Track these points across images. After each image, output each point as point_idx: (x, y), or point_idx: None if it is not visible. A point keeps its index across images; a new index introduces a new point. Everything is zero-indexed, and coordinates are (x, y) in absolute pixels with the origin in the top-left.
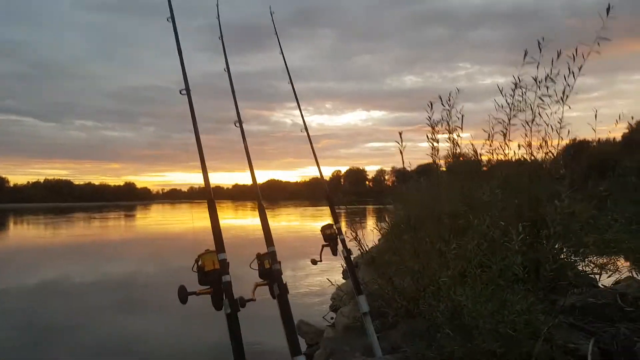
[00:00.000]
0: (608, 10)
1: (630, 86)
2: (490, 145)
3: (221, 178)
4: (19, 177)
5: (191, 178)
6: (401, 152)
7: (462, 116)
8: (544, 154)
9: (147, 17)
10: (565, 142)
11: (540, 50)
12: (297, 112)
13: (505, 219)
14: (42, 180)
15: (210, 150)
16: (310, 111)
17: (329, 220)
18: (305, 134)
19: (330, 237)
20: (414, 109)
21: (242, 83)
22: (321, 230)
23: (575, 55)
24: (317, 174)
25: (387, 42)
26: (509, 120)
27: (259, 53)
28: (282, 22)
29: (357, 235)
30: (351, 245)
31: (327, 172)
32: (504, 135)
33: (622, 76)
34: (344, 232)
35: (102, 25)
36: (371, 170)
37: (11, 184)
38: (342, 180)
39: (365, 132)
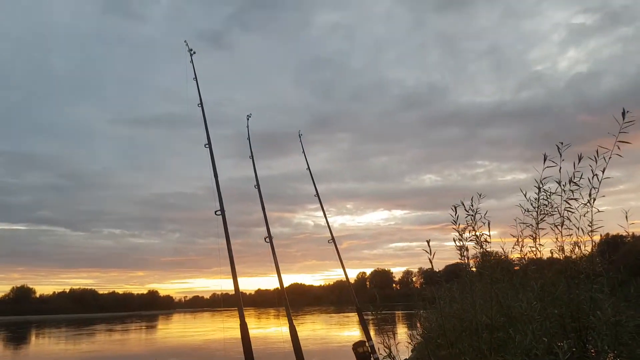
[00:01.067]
0: (624, 114)
1: None
2: (521, 248)
3: (243, 283)
4: (45, 287)
5: (214, 284)
6: (430, 261)
7: (489, 222)
8: (577, 254)
9: (174, 127)
10: (599, 237)
11: (560, 154)
12: (320, 213)
13: (547, 333)
14: (67, 290)
15: (234, 254)
16: (332, 212)
17: (357, 330)
18: (329, 235)
19: (363, 356)
20: (435, 207)
21: (264, 186)
22: (353, 349)
23: (596, 157)
24: (342, 277)
25: (403, 144)
26: (537, 224)
27: (282, 157)
28: (302, 128)
29: (391, 352)
30: None
31: (352, 274)
32: (534, 239)
33: None
34: (377, 349)
35: (133, 136)
36: (397, 271)
37: (37, 295)
38: (367, 282)
39: (388, 232)
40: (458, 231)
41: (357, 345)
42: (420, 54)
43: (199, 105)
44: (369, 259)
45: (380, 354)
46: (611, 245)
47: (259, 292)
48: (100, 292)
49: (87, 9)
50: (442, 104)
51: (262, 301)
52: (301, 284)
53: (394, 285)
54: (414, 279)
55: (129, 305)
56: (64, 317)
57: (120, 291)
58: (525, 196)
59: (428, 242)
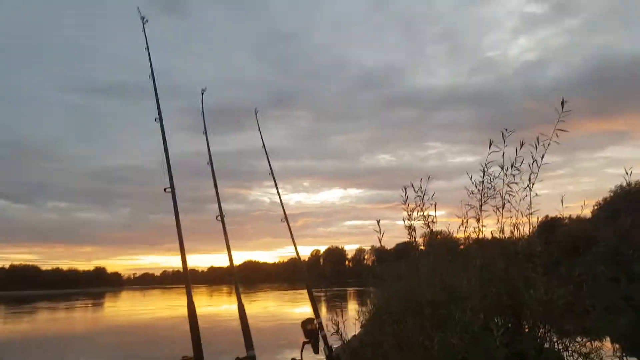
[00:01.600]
0: (563, 104)
1: (593, 164)
2: (465, 229)
3: (196, 260)
4: None
5: (165, 261)
6: (379, 240)
7: (435, 204)
8: (516, 235)
9: (127, 98)
10: (536, 219)
11: (504, 140)
12: (275, 190)
13: (485, 310)
14: (7, 266)
15: (185, 231)
16: (288, 189)
17: (308, 309)
18: (289, 213)
19: (312, 333)
20: (389, 186)
21: (220, 162)
22: (302, 326)
23: (537, 144)
24: (295, 254)
25: (360, 123)
26: (481, 206)
27: (238, 133)
28: (259, 104)
29: (339, 328)
30: (333, 338)
31: (306, 252)
32: (477, 220)
33: (584, 155)
34: (325, 326)
35: (82, 106)
36: (350, 249)
37: None
38: (321, 260)
39: (343, 210)
40: (407, 211)
41: (305, 323)
42: (379, 34)
43: (150, 77)
44: (323, 236)
45: (329, 330)
46: (549, 227)
47: (211, 269)
48: (43, 268)
49: None
50: (398, 86)
51: (215, 278)
52: (255, 261)
53: (346, 262)
54: (366, 256)
55: (74, 283)
56: (3, 294)
57: (65, 267)
58: (470, 179)
59: (378, 221)
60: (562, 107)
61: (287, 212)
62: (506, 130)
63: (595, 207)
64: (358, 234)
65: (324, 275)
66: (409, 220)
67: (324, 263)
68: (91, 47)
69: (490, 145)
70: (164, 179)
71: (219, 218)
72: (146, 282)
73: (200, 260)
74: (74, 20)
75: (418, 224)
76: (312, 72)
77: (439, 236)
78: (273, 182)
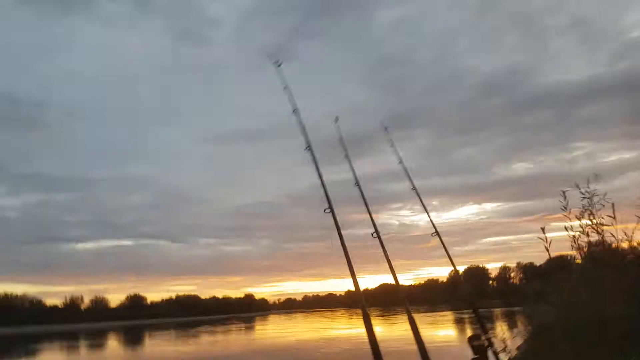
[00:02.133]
0: None
1: None
2: None
3: (332, 285)
4: (154, 294)
5: (305, 286)
6: (547, 249)
7: (613, 204)
8: None
9: (252, 141)
10: None
11: None
12: (403, 212)
13: None
14: (174, 297)
15: (318, 258)
16: (417, 210)
17: (451, 329)
18: (416, 234)
19: (480, 349)
20: (528, 197)
21: (348, 189)
22: (469, 342)
23: None
24: (432, 275)
25: (487, 132)
26: None
27: (358, 160)
28: (375, 130)
29: (506, 346)
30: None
31: (443, 272)
32: None
33: None
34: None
35: (215, 153)
36: (493, 267)
37: (148, 301)
38: (462, 279)
39: (480, 227)
40: (570, 218)
41: (472, 339)
42: (495, 37)
43: (294, 112)
44: (460, 256)
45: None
46: None
47: (348, 292)
48: (202, 297)
49: (157, 41)
50: (526, 87)
51: (352, 302)
52: (390, 284)
53: (490, 282)
54: (512, 274)
55: (229, 308)
56: (172, 320)
57: (220, 295)
58: None
59: (543, 229)
60: None
61: (417, 234)
62: None
63: None
64: (500, 251)
65: (489, 293)
66: (571, 229)
67: (465, 283)
68: (216, 103)
69: None
70: (294, 209)
71: (374, 235)
72: (289, 306)
73: (336, 285)
74: (199, 82)
75: (585, 232)
76: (425, 89)
77: (615, 244)
78: (401, 204)
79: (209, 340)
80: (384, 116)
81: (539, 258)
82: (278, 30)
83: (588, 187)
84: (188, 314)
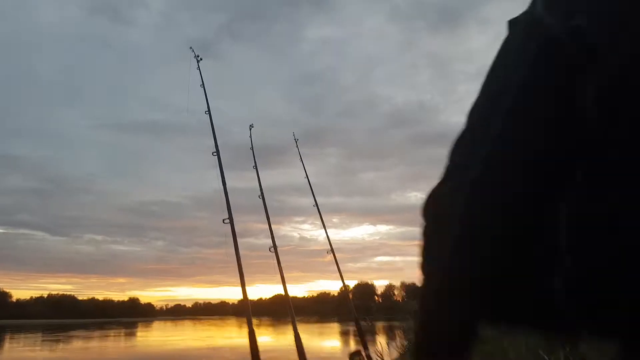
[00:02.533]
0: None
1: None
2: None
3: (225, 293)
4: (23, 291)
5: (196, 293)
6: None
7: None
8: None
9: (157, 135)
10: None
11: None
12: (305, 225)
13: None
14: (45, 295)
15: (214, 264)
16: (317, 225)
17: (337, 340)
18: (315, 248)
19: None
20: (419, 224)
21: (250, 198)
22: (350, 358)
23: None
24: (325, 289)
25: (391, 160)
26: None
27: (268, 170)
28: (289, 142)
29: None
30: None
31: (335, 287)
32: None
33: None
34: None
35: (117, 143)
36: (380, 285)
37: (14, 299)
38: (350, 295)
39: (373, 246)
40: None
41: (353, 355)
42: (411, 73)
43: (206, 112)
44: (352, 271)
45: None
46: None
47: (242, 301)
48: (80, 298)
49: (74, 10)
50: (431, 123)
51: (243, 311)
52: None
53: (375, 297)
54: (395, 292)
55: (109, 312)
56: (41, 322)
57: (100, 297)
58: None
59: None
60: None
61: (315, 248)
62: None
63: None
64: (388, 270)
65: (369, 309)
66: None
67: (353, 298)
68: (126, 87)
69: None
70: (197, 213)
71: (271, 249)
72: (178, 313)
73: (233, 292)
74: (110, 63)
75: None
76: (342, 110)
77: None
78: (304, 217)
79: (79, 345)
80: (298, 130)
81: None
82: (206, 25)
83: None
84: (61, 316)
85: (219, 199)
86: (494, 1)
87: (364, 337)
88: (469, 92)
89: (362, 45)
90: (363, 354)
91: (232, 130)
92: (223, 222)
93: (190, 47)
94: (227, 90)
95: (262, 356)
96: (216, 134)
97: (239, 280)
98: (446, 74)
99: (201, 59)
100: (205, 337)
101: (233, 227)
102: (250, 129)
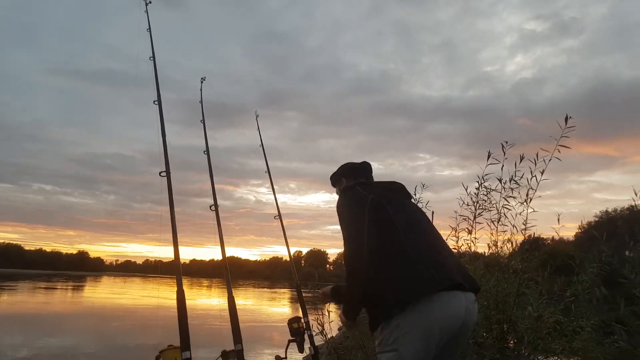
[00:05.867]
0: (567, 120)
1: (581, 187)
2: (457, 242)
3: (181, 252)
4: None
5: (147, 250)
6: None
7: (432, 212)
8: (509, 249)
9: (116, 86)
10: (531, 235)
11: (504, 153)
12: (262, 189)
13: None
14: None
15: (168, 222)
16: (275, 189)
17: (287, 307)
18: (270, 212)
19: (298, 331)
20: None
21: (205, 157)
22: (288, 324)
23: (537, 159)
24: (278, 253)
25: (351, 129)
26: (474, 218)
27: (229, 129)
28: (250, 101)
29: (323, 328)
30: (317, 338)
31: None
32: (469, 232)
33: (574, 177)
34: (310, 325)
35: (71, 90)
36: (332, 252)
37: None
38: (302, 261)
39: (328, 214)
40: None
41: (292, 321)
42: (377, 40)
43: (151, 58)
44: (306, 238)
45: (314, 330)
46: (534, 245)
47: (194, 262)
48: (26, 248)
49: None
50: (393, 94)
51: (198, 271)
52: (237, 257)
53: (327, 266)
54: None
55: (57, 265)
56: None
57: (48, 249)
58: (466, 190)
59: None
60: (566, 122)
61: (270, 212)
62: (507, 142)
63: (580, 231)
64: (340, 239)
65: (308, 276)
66: None
67: (305, 265)
68: (83, 32)
69: (488, 157)
70: (153, 168)
71: (212, 208)
72: (128, 269)
73: (184, 252)
74: (67, 3)
75: None
76: (305, 73)
77: None
78: (262, 180)
79: (21, 298)
80: (260, 90)
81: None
82: None
83: (415, 194)
84: (6, 265)
85: (177, 153)
86: None
87: (304, 304)
88: (432, 64)
89: (330, 7)
90: (302, 320)
91: (188, 85)
92: (160, 175)
93: None
94: (188, 41)
95: (195, 317)
96: (172, 87)
97: (196, 239)
98: (411, 43)
99: (150, 2)
100: (149, 296)
101: (169, 180)
102: (202, 82)
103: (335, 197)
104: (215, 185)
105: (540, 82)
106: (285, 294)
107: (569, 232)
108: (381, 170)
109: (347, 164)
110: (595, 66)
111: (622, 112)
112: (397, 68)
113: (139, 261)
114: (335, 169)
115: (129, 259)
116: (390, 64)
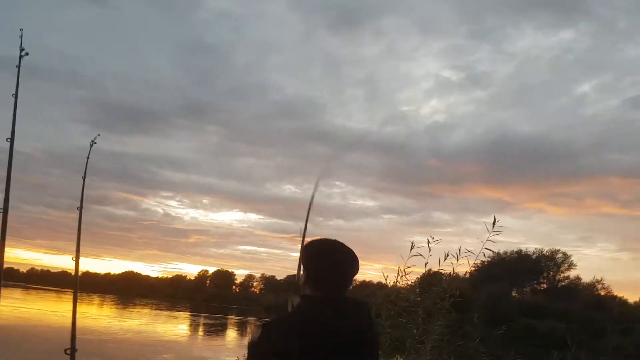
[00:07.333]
0: (494, 223)
1: (477, 227)
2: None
3: (70, 263)
4: None
5: (37, 258)
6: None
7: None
8: (403, 283)
9: (23, 76)
10: (421, 270)
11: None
12: (171, 202)
13: None
14: None
15: (62, 229)
16: (185, 204)
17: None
18: (176, 227)
19: None
20: (289, 217)
21: (117, 162)
22: None
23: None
24: (183, 271)
25: (272, 150)
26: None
27: (141, 136)
28: (169, 109)
29: None
30: None
31: (194, 270)
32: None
33: (472, 217)
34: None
35: None
36: (240, 274)
37: None
38: (208, 281)
39: (239, 234)
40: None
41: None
42: (305, 66)
43: (20, 48)
44: (214, 257)
45: None
46: (429, 280)
47: (86, 274)
48: None
49: None
50: (315, 121)
51: (90, 285)
52: (137, 272)
53: (234, 287)
54: (254, 283)
55: None
56: None
57: None
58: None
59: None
60: (493, 225)
61: (179, 227)
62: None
63: (473, 269)
64: (250, 260)
65: (212, 296)
66: None
67: (211, 284)
68: None
69: (411, 249)
70: (49, 169)
71: (78, 208)
72: (9, 278)
73: (70, 264)
74: None
75: None
76: (230, 89)
77: None
78: (170, 194)
79: None
80: (182, 100)
81: (280, 273)
82: None
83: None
84: None
85: (81, 154)
86: (392, 16)
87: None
88: (355, 96)
89: (262, 27)
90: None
91: (107, 85)
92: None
93: None
94: (107, 39)
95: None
96: (87, 86)
97: (89, 250)
98: (337, 74)
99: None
100: (33, 310)
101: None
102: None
103: (249, 216)
104: (121, 193)
105: (451, 127)
106: (180, 317)
107: (464, 268)
108: (297, 195)
109: (314, 244)
110: (498, 118)
111: (517, 163)
112: (323, 96)
113: (23, 269)
114: (251, 188)
115: (11, 266)
116: (316, 92)
